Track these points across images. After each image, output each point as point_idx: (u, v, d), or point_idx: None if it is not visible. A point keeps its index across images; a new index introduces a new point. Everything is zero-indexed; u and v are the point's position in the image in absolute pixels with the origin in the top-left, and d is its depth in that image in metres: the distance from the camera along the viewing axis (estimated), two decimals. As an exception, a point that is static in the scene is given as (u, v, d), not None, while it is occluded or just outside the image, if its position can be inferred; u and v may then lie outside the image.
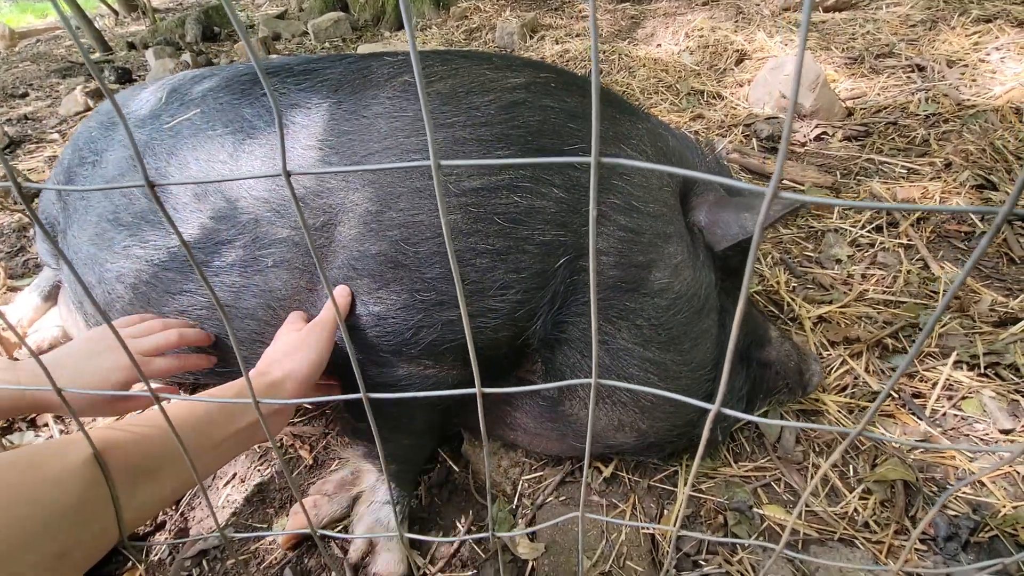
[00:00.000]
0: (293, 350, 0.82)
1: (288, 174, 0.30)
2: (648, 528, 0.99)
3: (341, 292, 0.87)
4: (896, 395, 1.16)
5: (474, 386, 0.41)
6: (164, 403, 0.46)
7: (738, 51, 2.71)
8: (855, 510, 0.98)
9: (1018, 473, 0.99)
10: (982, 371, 1.17)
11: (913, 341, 1.26)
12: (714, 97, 2.44)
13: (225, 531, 0.54)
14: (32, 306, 1.46)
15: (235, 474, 1.16)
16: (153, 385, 0.42)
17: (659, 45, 3.04)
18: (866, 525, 0.96)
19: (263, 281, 0.92)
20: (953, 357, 1.19)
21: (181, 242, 0.32)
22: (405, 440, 0.95)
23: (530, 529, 0.59)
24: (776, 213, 0.87)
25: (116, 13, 7.11)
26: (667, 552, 0.78)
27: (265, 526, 1.06)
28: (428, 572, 0.97)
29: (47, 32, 7.66)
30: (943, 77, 2.22)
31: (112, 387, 0.82)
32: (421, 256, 0.82)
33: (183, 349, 0.98)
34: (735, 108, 2.33)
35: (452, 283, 0.82)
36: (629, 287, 0.87)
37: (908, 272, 1.44)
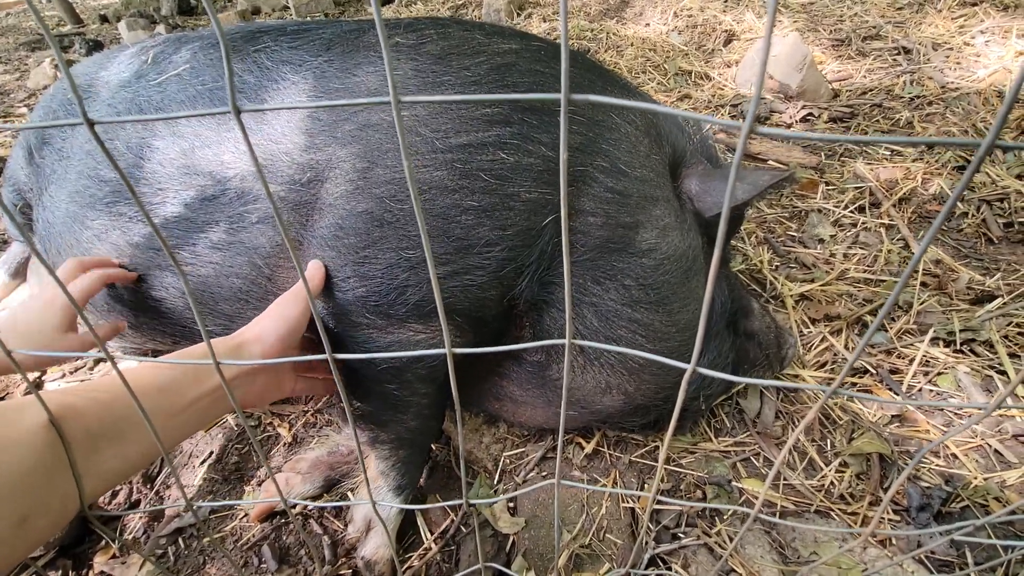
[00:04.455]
0: (265, 314, 0.81)
1: (238, 111, 0.28)
2: (625, 495, 1.00)
3: (314, 266, 0.86)
4: (874, 371, 1.17)
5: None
6: (125, 367, 0.44)
7: (727, 32, 2.68)
8: (831, 483, 1.00)
9: (989, 446, 1.01)
10: (958, 347, 1.18)
11: (892, 319, 1.27)
12: (702, 77, 2.42)
13: (194, 503, 0.52)
14: (0, 284, 1.41)
15: (212, 452, 1.14)
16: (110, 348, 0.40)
17: (648, 24, 3.00)
18: (842, 497, 0.98)
19: (248, 238, 0.90)
20: (930, 334, 1.20)
21: (128, 187, 0.30)
22: (412, 422, 0.93)
23: (505, 496, 0.58)
24: (765, 182, 0.87)
25: (88, -15, 6.86)
26: (644, 523, 0.79)
27: (241, 502, 1.05)
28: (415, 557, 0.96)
29: (17, 5, 7.37)
30: (928, 60, 2.22)
31: (55, 337, 0.86)
32: (407, 213, 0.81)
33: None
34: (722, 88, 2.32)
35: (437, 240, 0.80)
36: (616, 247, 0.87)
37: (889, 252, 1.45)
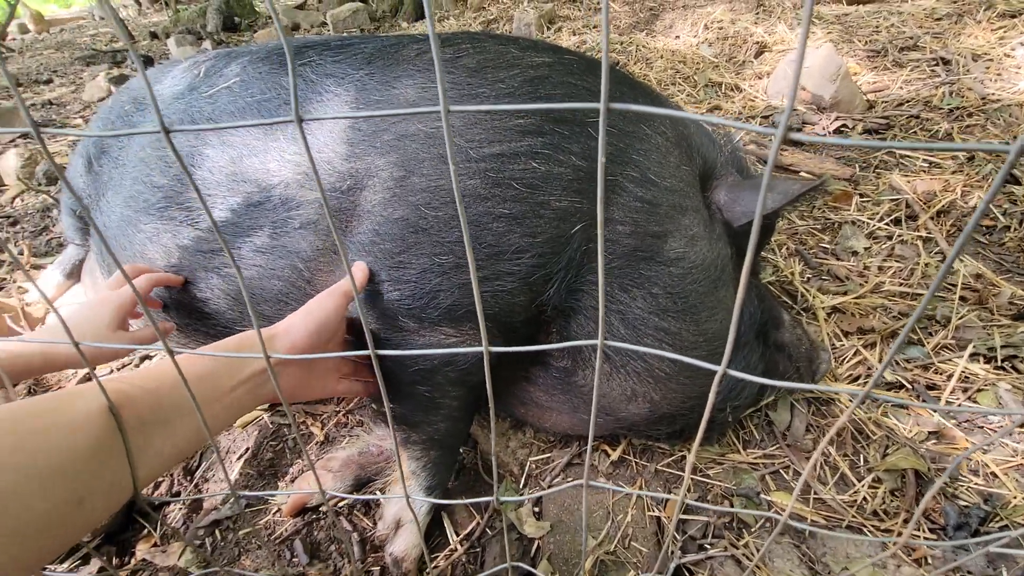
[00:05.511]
0: (298, 311, 0.84)
1: (300, 120, 0.31)
2: (651, 504, 1.00)
3: (359, 267, 0.89)
4: (910, 386, 1.14)
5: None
6: (167, 360, 0.47)
7: (758, 43, 2.67)
8: (864, 498, 0.98)
9: (1033, 465, 0.98)
10: (999, 364, 1.15)
11: (930, 333, 1.24)
12: (732, 89, 2.41)
13: (235, 492, 0.55)
14: (54, 283, 1.49)
15: (248, 448, 1.19)
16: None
17: (677, 37, 3.01)
18: (875, 513, 0.96)
19: (290, 242, 0.94)
20: (969, 349, 1.17)
21: (195, 189, 0.33)
22: (442, 424, 0.96)
23: (534, 495, 0.60)
24: (796, 191, 0.87)
25: (139, 4, 7.24)
26: (670, 532, 0.79)
27: (276, 497, 1.08)
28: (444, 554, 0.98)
29: (72, 21, 7.82)
30: (968, 71, 2.17)
31: (107, 334, 0.93)
32: (441, 220, 0.84)
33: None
34: (753, 100, 2.30)
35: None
36: (645, 255, 0.89)
37: (926, 265, 1.42)
